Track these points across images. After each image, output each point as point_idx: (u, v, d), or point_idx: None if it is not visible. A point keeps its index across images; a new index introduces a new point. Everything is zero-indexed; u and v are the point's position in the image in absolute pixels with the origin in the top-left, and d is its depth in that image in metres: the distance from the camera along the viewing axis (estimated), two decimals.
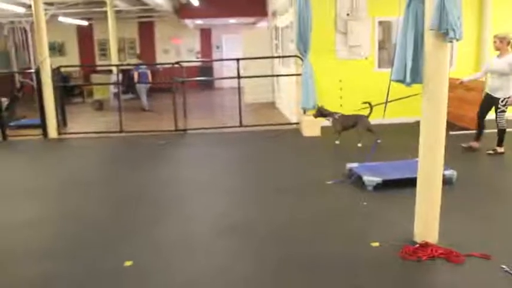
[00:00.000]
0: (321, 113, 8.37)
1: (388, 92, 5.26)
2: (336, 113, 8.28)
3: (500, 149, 7.25)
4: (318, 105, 8.63)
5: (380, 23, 9.81)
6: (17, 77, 16.73)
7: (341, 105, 9.65)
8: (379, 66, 9.77)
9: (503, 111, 7.15)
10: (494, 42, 7.12)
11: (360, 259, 3.92)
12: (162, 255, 4.15)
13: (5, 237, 4.75)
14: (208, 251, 4.22)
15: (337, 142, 8.16)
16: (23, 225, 5.05)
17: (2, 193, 6.26)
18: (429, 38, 3.73)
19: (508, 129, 7.24)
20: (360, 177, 5.82)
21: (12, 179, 7.00)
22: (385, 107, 5.81)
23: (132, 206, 5.50)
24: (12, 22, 17.51)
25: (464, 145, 7.51)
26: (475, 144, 7.48)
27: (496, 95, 7.11)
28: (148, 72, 13.91)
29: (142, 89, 13.53)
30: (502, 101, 7.07)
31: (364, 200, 5.31)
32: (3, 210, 5.56)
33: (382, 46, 10.09)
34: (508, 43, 7.06)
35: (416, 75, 3.93)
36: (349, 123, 8.11)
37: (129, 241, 4.47)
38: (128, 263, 3.94)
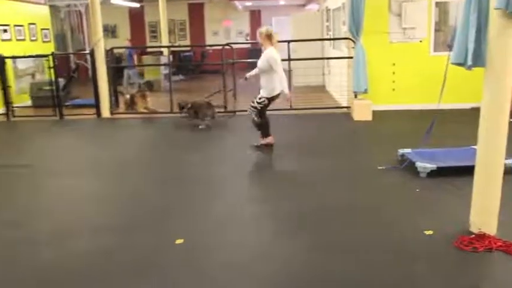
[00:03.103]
0: (182, 106, 8.98)
1: (445, 76, 5.06)
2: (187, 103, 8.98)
3: (265, 140, 6.99)
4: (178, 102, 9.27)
5: (437, 3, 9.42)
6: (72, 59, 17.29)
7: (393, 89, 9.44)
8: (435, 49, 9.41)
9: (255, 107, 6.82)
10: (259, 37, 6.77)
11: (412, 247, 3.82)
12: (212, 234, 4.20)
13: (65, 211, 4.94)
14: (255, 232, 4.24)
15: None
16: (81, 201, 5.25)
17: (61, 170, 6.49)
18: (495, 18, 3.53)
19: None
20: (412, 164, 5.66)
21: (70, 157, 7.25)
22: (441, 92, 5.60)
23: (182, 185, 5.58)
24: (68, 5, 17.99)
25: (255, 144, 7.07)
26: (268, 140, 7.05)
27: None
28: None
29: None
30: (259, 98, 6.77)
31: (417, 187, 5.18)
32: (63, 186, 5.78)
33: (438, 28, 9.71)
34: (268, 37, 6.65)
35: (478, 58, 3.74)
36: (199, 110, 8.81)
37: (180, 219, 4.54)
38: (179, 241, 4.01)
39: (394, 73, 9.46)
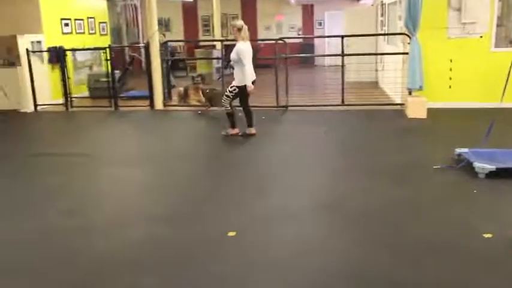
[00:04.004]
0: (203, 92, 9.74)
1: (509, 73, 4.87)
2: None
3: (232, 131, 7.49)
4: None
5: None
6: (127, 51, 17.72)
7: (450, 86, 9.14)
8: (497, 45, 9.03)
9: (228, 96, 7.35)
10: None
11: (470, 250, 3.69)
12: (264, 228, 4.22)
13: (119, 201, 5.10)
14: (308, 227, 4.22)
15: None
16: (135, 191, 5.40)
17: (116, 160, 6.69)
18: None
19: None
20: (470, 164, 5.47)
21: (124, 147, 7.46)
22: (504, 89, 5.39)
23: (234, 179, 5.63)
24: None
25: (223, 133, 7.66)
26: (234, 131, 7.57)
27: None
28: None
29: None
30: (230, 87, 7.32)
31: (474, 188, 5.00)
32: (118, 176, 5.96)
33: (500, 23, 9.29)
34: (240, 31, 7.10)
35: None
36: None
37: (232, 212, 4.58)
38: (231, 233, 4.05)
39: (451, 70, 9.15)
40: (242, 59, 7.00)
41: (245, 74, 7.05)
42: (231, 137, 7.52)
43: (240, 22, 7.29)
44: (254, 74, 7.30)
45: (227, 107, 7.41)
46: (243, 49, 7.03)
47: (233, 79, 7.38)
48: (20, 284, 3.44)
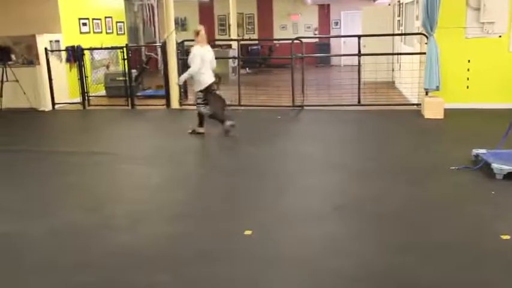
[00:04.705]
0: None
1: None
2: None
3: (227, 123, 7.59)
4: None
5: None
6: (143, 51, 17.84)
7: (467, 86, 9.05)
8: None
9: (199, 104, 7.58)
10: None
11: (487, 251, 3.66)
12: (280, 227, 4.22)
13: (136, 198, 5.14)
14: (322, 228, 4.20)
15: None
16: (152, 189, 5.42)
17: (133, 158, 6.74)
18: None
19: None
20: (488, 165, 5.41)
21: (141, 145, 7.50)
22: None
23: (250, 178, 5.64)
24: None
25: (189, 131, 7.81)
26: (200, 129, 7.78)
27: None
28: None
29: None
30: (196, 95, 7.58)
31: (492, 190, 4.94)
32: (135, 174, 6.03)
33: None
34: (197, 34, 7.46)
35: None
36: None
37: (249, 212, 4.60)
38: (248, 232, 4.06)
39: (468, 70, 9.06)
40: (190, 62, 7.36)
41: (205, 76, 7.38)
42: (238, 138, 7.59)
43: (199, 27, 7.68)
44: (212, 76, 7.62)
45: (205, 112, 7.60)
46: (193, 53, 7.39)
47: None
48: (36, 281, 3.50)
